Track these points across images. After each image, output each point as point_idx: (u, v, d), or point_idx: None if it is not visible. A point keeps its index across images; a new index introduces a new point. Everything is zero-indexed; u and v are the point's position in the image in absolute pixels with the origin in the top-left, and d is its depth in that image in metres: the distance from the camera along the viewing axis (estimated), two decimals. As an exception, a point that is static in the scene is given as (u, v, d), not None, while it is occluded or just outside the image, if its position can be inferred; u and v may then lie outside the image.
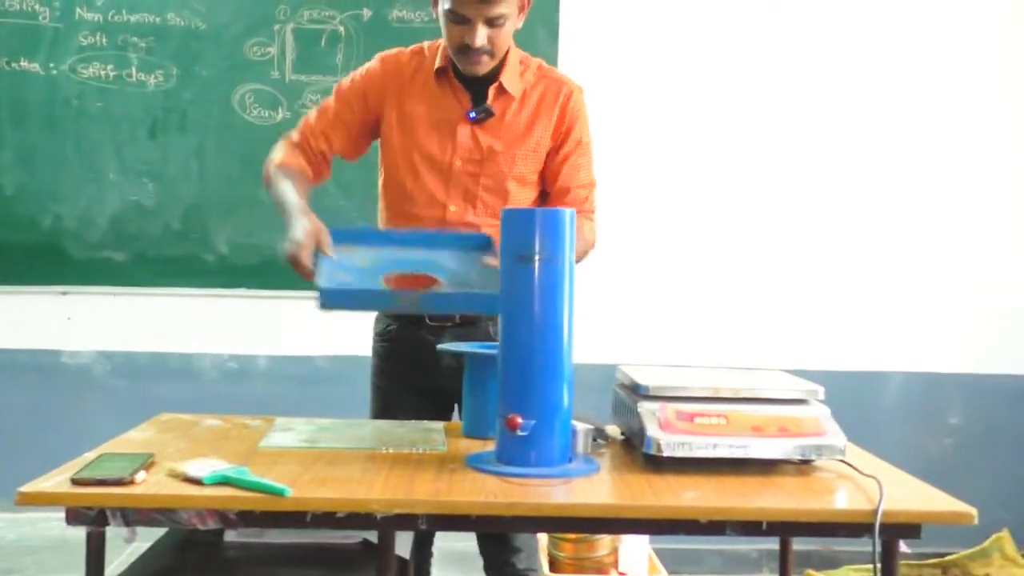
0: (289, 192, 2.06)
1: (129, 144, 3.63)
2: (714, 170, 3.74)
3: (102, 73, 3.61)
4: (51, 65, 3.60)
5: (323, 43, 3.63)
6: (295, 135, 2.24)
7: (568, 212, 1.64)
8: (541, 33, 3.63)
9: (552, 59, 3.59)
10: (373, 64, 2.23)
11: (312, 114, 2.25)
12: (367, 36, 3.62)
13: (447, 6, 2.02)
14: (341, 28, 3.63)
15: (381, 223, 2.28)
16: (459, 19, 2.02)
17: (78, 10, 3.58)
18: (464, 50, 2.05)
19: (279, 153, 2.20)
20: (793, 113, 3.75)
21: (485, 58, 2.07)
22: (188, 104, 3.63)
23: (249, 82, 3.63)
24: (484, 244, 2.03)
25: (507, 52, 2.14)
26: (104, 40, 3.60)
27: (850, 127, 3.76)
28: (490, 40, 2.04)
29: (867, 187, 3.77)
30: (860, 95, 3.75)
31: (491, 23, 2.02)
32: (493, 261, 1.85)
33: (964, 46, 3.80)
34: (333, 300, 1.82)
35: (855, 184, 3.76)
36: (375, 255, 1.99)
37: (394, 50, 2.25)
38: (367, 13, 3.64)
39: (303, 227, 1.89)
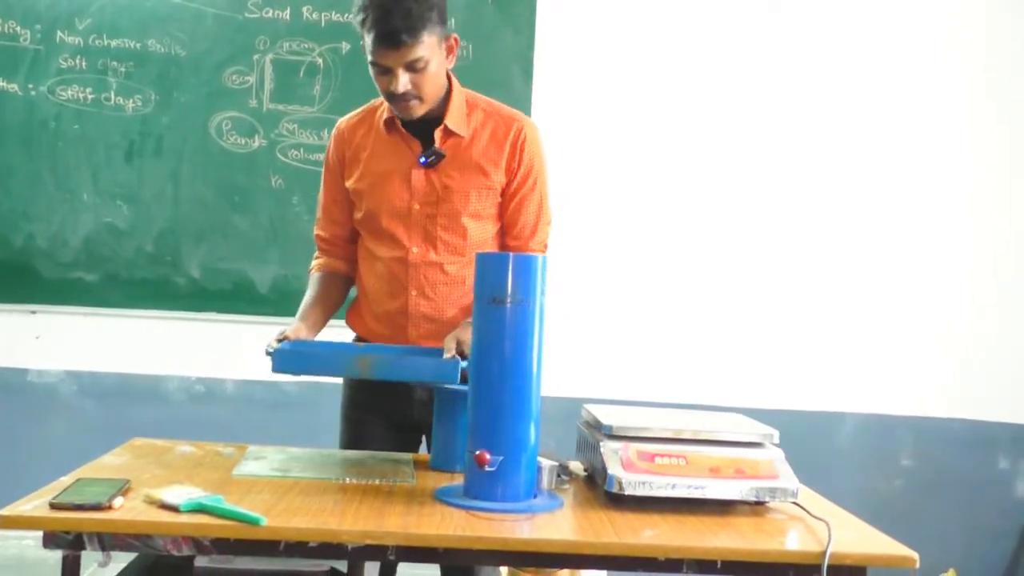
0: (304, 299, 2.30)
1: (105, 167, 3.66)
2: (677, 212, 3.81)
3: (81, 96, 3.64)
4: (30, 86, 3.62)
5: (301, 74, 3.69)
6: (317, 231, 2.39)
7: (540, 258, 1.72)
8: (515, 71, 3.71)
9: (526, 97, 3.68)
10: (330, 141, 2.34)
11: (318, 209, 2.40)
12: (345, 69, 3.69)
13: (369, 58, 2.10)
14: (319, 60, 3.69)
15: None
16: (381, 69, 2.09)
17: (59, 33, 3.62)
18: (392, 98, 2.12)
19: (314, 256, 2.41)
20: (751, 149, 3.83)
21: (415, 103, 2.12)
22: (165, 129, 3.67)
23: (226, 109, 3.68)
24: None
25: (450, 93, 2.20)
26: (84, 63, 3.64)
27: (805, 165, 3.85)
28: (415, 85, 2.09)
29: (827, 228, 3.85)
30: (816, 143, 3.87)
31: (411, 68, 2.07)
32: (450, 354, 1.95)
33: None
34: (286, 363, 1.92)
35: (815, 225, 3.85)
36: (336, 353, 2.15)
37: (345, 116, 2.34)
38: (345, 46, 3.70)
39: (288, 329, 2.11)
